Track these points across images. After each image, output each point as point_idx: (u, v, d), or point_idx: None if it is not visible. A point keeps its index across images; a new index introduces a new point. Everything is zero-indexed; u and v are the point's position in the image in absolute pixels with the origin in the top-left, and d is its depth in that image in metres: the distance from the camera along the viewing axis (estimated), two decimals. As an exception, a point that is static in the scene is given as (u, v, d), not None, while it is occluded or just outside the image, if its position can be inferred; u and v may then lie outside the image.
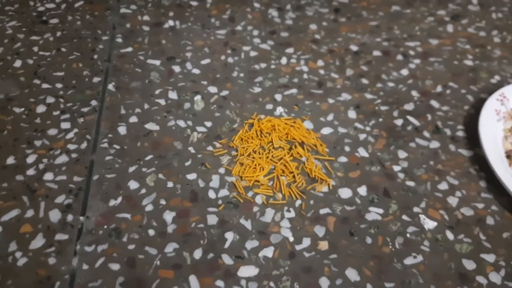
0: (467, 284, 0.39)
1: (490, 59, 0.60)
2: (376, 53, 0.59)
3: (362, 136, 0.50)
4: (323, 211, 0.43)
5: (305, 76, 0.56)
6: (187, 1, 0.65)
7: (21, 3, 0.62)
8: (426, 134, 0.50)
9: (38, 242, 0.39)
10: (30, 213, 0.41)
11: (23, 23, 0.60)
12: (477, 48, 0.61)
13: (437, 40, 0.62)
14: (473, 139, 0.50)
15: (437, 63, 0.59)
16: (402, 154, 0.48)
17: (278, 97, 0.53)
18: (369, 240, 0.41)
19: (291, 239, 0.41)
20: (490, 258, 0.41)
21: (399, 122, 0.51)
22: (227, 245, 0.40)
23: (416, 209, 0.44)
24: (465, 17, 0.66)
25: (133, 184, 0.44)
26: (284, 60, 0.58)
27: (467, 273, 0.40)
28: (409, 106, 0.53)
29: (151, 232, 0.41)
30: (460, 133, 0.51)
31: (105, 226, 0.41)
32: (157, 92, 0.53)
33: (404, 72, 0.57)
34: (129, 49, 0.57)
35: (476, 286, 0.39)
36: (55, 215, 0.41)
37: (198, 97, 0.52)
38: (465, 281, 0.39)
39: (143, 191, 0.44)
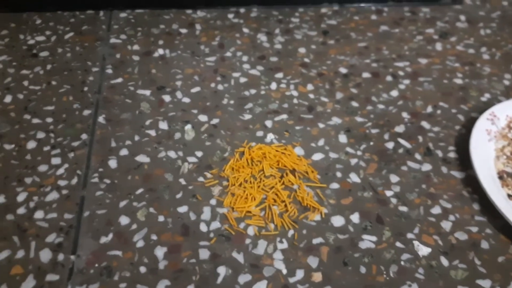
0: (463, 311, 0.39)
1: (479, 76, 0.60)
2: (366, 74, 0.60)
3: (354, 161, 0.50)
4: (316, 240, 0.43)
5: (295, 101, 0.56)
6: (177, 29, 0.65)
7: (11, 37, 0.63)
8: (418, 156, 0.50)
9: (28, 284, 0.39)
10: (20, 253, 0.41)
11: (14, 57, 0.60)
12: (466, 66, 0.61)
13: (426, 59, 0.62)
14: (465, 160, 0.50)
15: (427, 83, 0.59)
16: (394, 178, 0.48)
17: (269, 123, 0.53)
18: (363, 269, 0.41)
19: (284, 271, 0.41)
20: (485, 284, 0.40)
21: (390, 145, 0.51)
22: (219, 280, 0.40)
23: (409, 235, 0.44)
24: (454, 35, 0.66)
25: (123, 220, 0.44)
26: (273, 85, 0.58)
27: (462, 300, 0.39)
28: (399, 128, 0.53)
29: (143, 269, 0.40)
30: (452, 154, 0.51)
31: (96, 265, 0.40)
32: (147, 123, 0.53)
33: (394, 93, 0.57)
34: (119, 79, 0.58)
35: (473, 313, 0.39)
36: (46, 255, 0.41)
37: (188, 127, 0.52)
38: (461, 308, 0.39)
39: (134, 226, 0.43)
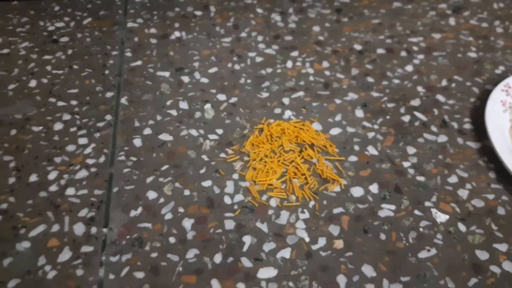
0: (481, 274, 0.40)
1: (493, 49, 0.60)
2: (380, 51, 0.60)
3: (371, 135, 0.51)
4: (337, 210, 0.45)
5: (311, 78, 0.57)
6: (191, 11, 0.66)
7: (31, 24, 0.64)
8: (434, 128, 0.51)
9: (65, 255, 0.41)
10: (55, 227, 0.43)
11: (35, 43, 0.62)
12: (480, 40, 0.62)
13: (440, 34, 0.63)
14: (480, 131, 0.51)
15: (441, 57, 0.59)
16: (411, 150, 0.49)
17: (286, 100, 0.55)
18: (383, 236, 0.43)
19: (307, 239, 0.42)
20: (502, 247, 0.42)
21: (406, 118, 0.52)
22: (245, 248, 0.42)
23: (427, 204, 0.45)
24: (467, 9, 0.66)
25: (151, 194, 0.46)
26: (289, 64, 0.59)
27: (480, 263, 0.41)
28: (415, 102, 0.54)
29: (172, 239, 0.42)
30: (467, 126, 0.52)
31: (128, 236, 0.42)
32: (168, 103, 0.54)
33: (409, 68, 0.58)
34: (139, 62, 0.59)
35: (490, 275, 0.40)
36: (79, 228, 0.43)
37: (208, 106, 0.54)
38: (478, 271, 0.40)
39: (162, 200, 0.45)
